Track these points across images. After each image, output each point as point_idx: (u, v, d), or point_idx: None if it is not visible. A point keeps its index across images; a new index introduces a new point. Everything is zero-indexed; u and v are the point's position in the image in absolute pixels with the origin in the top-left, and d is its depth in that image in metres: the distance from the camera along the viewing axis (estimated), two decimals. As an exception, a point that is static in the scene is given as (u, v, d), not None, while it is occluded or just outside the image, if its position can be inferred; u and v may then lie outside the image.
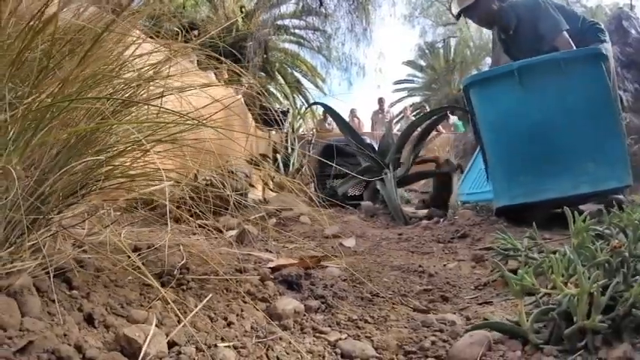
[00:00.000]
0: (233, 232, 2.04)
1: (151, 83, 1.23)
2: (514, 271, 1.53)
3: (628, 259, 1.17)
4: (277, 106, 12.73)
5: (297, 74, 17.72)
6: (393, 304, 1.47)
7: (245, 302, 1.26)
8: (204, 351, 0.96)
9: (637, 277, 1.11)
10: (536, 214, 2.61)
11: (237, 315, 1.18)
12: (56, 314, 0.94)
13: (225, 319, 1.15)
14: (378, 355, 1.10)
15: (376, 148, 4.88)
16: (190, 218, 1.39)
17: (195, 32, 1.70)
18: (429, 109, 12.54)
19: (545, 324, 1.10)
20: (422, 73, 25.60)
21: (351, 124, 7.15)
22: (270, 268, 1.55)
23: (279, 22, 15.92)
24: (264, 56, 14.00)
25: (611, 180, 2.76)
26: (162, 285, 1.23)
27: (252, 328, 1.14)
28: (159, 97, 1.20)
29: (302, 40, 16.96)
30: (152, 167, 1.26)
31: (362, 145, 4.58)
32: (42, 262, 1.00)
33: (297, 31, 16.85)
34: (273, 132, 7.00)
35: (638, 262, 1.18)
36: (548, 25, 3.40)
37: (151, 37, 1.41)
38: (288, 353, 1.05)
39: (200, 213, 1.41)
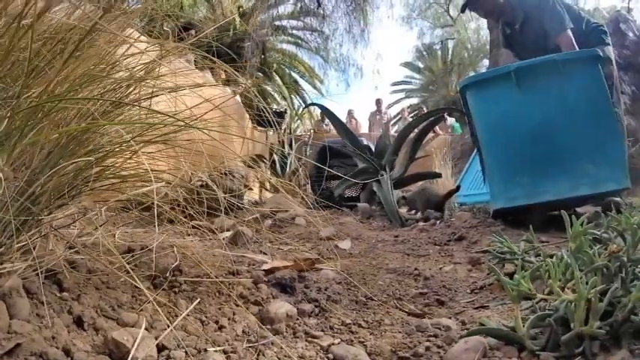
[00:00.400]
0: (227, 234, 2.02)
1: (142, 83, 1.21)
2: (510, 275, 1.52)
3: (626, 264, 1.16)
4: (275, 106, 12.74)
5: (294, 75, 17.76)
6: (388, 307, 1.46)
7: (237, 305, 1.24)
8: (193, 355, 0.95)
9: (635, 282, 1.09)
10: (534, 217, 2.60)
11: (229, 318, 1.17)
12: (45, 317, 0.92)
13: (217, 322, 1.13)
14: (371, 360, 1.08)
15: (373, 150, 4.85)
16: (185, 219, 1.37)
17: (193, 32, 1.69)
18: (426, 111, 12.57)
19: (541, 330, 1.09)
20: (419, 75, 25.70)
21: (349, 125, 7.15)
22: (263, 270, 1.53)
23: (277, 23, 15.95)
24: (262, 57, 13.99)
25: (610, 182, 2.74)
26: (155, 287, 1.22)
27: (243, 332, 1.12)
28: (149, 98, 1.18)
29: (300, 41, 17.00)
30: (144, 168, 1.25)
31: (358, 147, 4.55)
32: (32, 263, 0.99)
33: (294, 31, 16.90)
34: (271, 133, 7.00)
35: (636, 267, 1.17)
36: (553, 22, 3.38)
37: (144, 36, 1.39)
38: (279, 358, 1.03)
39: (194, 214, 1.39)
